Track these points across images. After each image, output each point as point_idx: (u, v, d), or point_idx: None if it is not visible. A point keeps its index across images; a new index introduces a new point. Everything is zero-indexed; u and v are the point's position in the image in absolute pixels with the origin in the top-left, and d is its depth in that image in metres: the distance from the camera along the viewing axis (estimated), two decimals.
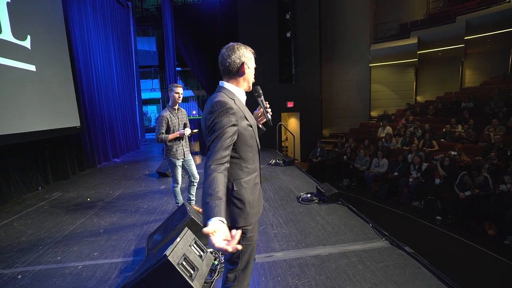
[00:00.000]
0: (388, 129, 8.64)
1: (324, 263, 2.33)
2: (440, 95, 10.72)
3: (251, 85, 1.43)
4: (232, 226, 1.31)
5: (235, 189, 1.29)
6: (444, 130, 7.36)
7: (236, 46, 1.33)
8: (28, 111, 4.29)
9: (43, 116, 4.64)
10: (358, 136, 9.23)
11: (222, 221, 1.00)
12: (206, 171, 1.14)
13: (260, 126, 1.58)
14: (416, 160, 5.99)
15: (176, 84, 3.11)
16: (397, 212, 5.43)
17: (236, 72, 1.33)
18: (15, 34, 4.11)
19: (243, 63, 1.32)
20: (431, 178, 5.59)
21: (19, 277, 2.26)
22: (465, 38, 9.59)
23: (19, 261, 2.50)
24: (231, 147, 1.22)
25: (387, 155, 7.18)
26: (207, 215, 1.02)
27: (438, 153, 6.30)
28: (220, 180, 1.12)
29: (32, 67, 4.45)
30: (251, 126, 1.34)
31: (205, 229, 0.94)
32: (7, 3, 3.98)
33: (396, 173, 6.31)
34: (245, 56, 1.33)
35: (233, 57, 1.31)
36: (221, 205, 1.06)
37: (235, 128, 1.23)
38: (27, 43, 4.37)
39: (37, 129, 4.43)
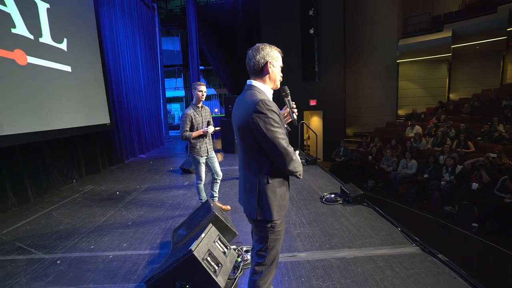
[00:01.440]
0: (418, 128, 8.19)
1: (349, 266, 2.25)
2: (476, 93, 9.96)
3: (278, 84, 1.44)
4: (265, 219, 1.35)
5: (269, 182, 1.34)
6: (482, 130, 6.82)
7: (261, 47, 1.37)
8: (64, 109, 4.59)
9: (78, 113, 4.94)
10: (384, 136, 8.84)
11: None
12: (293, 161, 1.31)
13: (285, 126, 1.58)
14: (449, 162, 5.61)
15: (199, 82, 3.15)
16: (427, 217, 5.13)
17: (261, 71, 1.37)
18: (53, 37, 4.40)
19: (267, 62, 1.35)
20: (466, 182, 5.21)
21: (58, 262, 2.43)
22: (508, 29, 8.80)
23: (58, 248, 2.69)
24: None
25: (416, 156, 6.81)
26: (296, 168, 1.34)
27: (474, 155, 5.86)
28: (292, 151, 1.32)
29: (68, 68, 4.75)
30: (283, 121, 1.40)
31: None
32: (47, 9, 4.27)
33: (426, 175, 5.96)
34: (270, 55, 1.36)
35: (257, 57, 1.35)
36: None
37: (282, 122, 1.32)
38: (63, 46, 4.66)
39: (72, 126, 4.73)
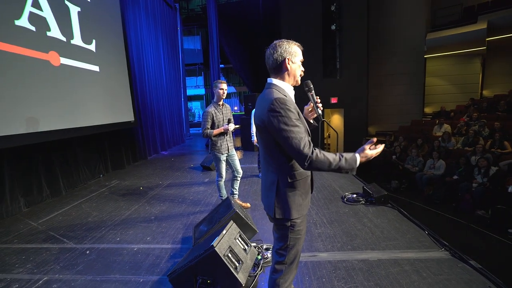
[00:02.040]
0: (446, 127, 7.73)
1: (372, 269, 2.17)
2: None
3: (298, 79, 1.41)
4: (284, 217, 1.35)
5: (289, 180, 1.33)
6: None
7: (278, 44, 1.34)
8: (93, 107, 4.84)
9: (105, 111, 5.19)
10: (409, 135, 8.44)
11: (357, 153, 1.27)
12: (311, 161, 1.21)
13: (311, 121, 1.57)
14: (482, 163, 5.24)
15: (220, 80, 3.17)
16: (457, 220, 4.83)
17: (280, 69, 1.35)
18: (83, 39, 4.64)
19: (285, 59, 1.33)
20: (501, 184, 4.85)
21: (87, 252, 2.57)
22: None
23: (87, 239, 2.84)
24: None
25: (444, 156, 6.43)
26: (352, 165, 1.25)
27: (511, 156, 5.43)
28: (326, 153, 1.24)
29: (96, 68, 4.99)
30: (303, 120, 1.35)
31: (365, 158, 1.27)
32: (78, 12, 4.51)
33: (456, 177, 5.62)
34: (288, 51, 1.33)
35: (275, 55, 1.33)
36: (345, 154, 1.26)
37: (298, 120, 1.27)
38: (92, 47, 4.90)
39: (99, 123, 4.97)
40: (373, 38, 10.40)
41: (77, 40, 4.50)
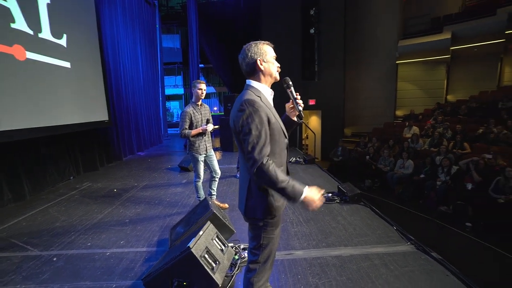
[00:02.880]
0: (415, 129, 8.24)
1: (345, 264, 2.28)
2: (474, 94, 10.02)
3: (276, 75, 1.41)
4: (254, 217, 1.35)
5: None
6: (480, 131, 6.87)
7: (246, 48, 1.37)
8: (62, 105, 4.58)
9: (76, 110, 4.93)
10: (382, 136, 8.89)
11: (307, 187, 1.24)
12: (259, 166, 1.20)
13: (294, 119, 1.54)
14: (445, 162, 5.66)
15: (199, 81, 3.16)
16: (423, 216, 5.18)
17: (254, 71, 1.37)
18: (53, 33, 4.38)
19: (256, 61, 1.34)
20: (461, 182, 5.26)
21: (54, 259, 2.43)
22: (506, 32, 8.86)
23: (54, 245, 2.69)
24: (269, 141, 1.27)
25: (413, 156, 6.86)
26: (295, 194, 1.21)
27: (470, 155, 5.91)
28: (278, 169, 1.23)
29: (67, 64, 4.73)
30: (277, 122, 1.36)
31: (309, 196, 1.21)
32: (47, 4, 4.25)
33: (422, 176, 6.01)
34: (257, 52, 1.35)
35: (246, 59, 1.35)
36: (295, 181, 1.24)
37: (267, 124, 1.27)
38: (63, 42, 4.64)
39: (70, 123, 4.71)
40: (349, 43, 10.84)
41: (45, 34, 4.24)
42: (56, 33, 4.45)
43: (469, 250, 4.08)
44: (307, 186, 1.24)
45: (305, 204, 1.23)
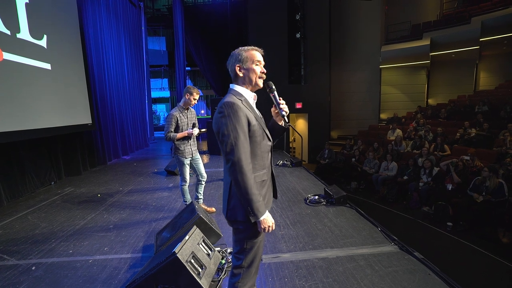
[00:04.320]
0: (398, 132, 8.50)
1: (331, 266, 2.31)
2: (453, 98, 10.49)
3: (258, 82, 1.40)
4: (236, 219, 1.35)
5: None
6: (458, 134, 7.18)
7: (232, 54, 1.42)
8: (43, 108, 4.41)
9: (57, 113, 4.76)
10: (367, 139, 9.12)
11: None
12: (236, 168, 1.22)
13: (280, 123, 1.51)
14: (427, 164, 5.87)
15: (195, 89, 3.05)
16: (406, 217, 5.34)
17: (236, 76, 1.41)
18: (32, 33, 4.23)
19: (235, 67, 1.39)
20: (442, 183, 5.47)
21: (33, 268, 2.33)
22: (481, 39, 9.36)
23: (33, 253, 2.57)
24: (249, 143, 1.29)
25: (396, 158, 7.06)
26: (259, 211, 1.26)
27: (450, 157, 6.16)
28: (254, 181, 1.27)
29: (47, 66, 4.58)
30: (259, 124, 1.36)
31: (267, 220, 1.28)
32: (26, 3, 4.11)
33: (405, 177, 6.20)
34: (237, 59, 1.38)
35: (230, 65, 1.42)
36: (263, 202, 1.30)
37: (246, 126, 1.28)
38: (43, 42, 4.49)
39: (50, 126, 4.54)
40: (334, 47, 11.10)
41: (24, 34, 4.08)
42: (35, 34, 4.30)
43: (450, 249, 4.24)
44: (267, 212, 1.31)
45: (260, 224, 1.28)
